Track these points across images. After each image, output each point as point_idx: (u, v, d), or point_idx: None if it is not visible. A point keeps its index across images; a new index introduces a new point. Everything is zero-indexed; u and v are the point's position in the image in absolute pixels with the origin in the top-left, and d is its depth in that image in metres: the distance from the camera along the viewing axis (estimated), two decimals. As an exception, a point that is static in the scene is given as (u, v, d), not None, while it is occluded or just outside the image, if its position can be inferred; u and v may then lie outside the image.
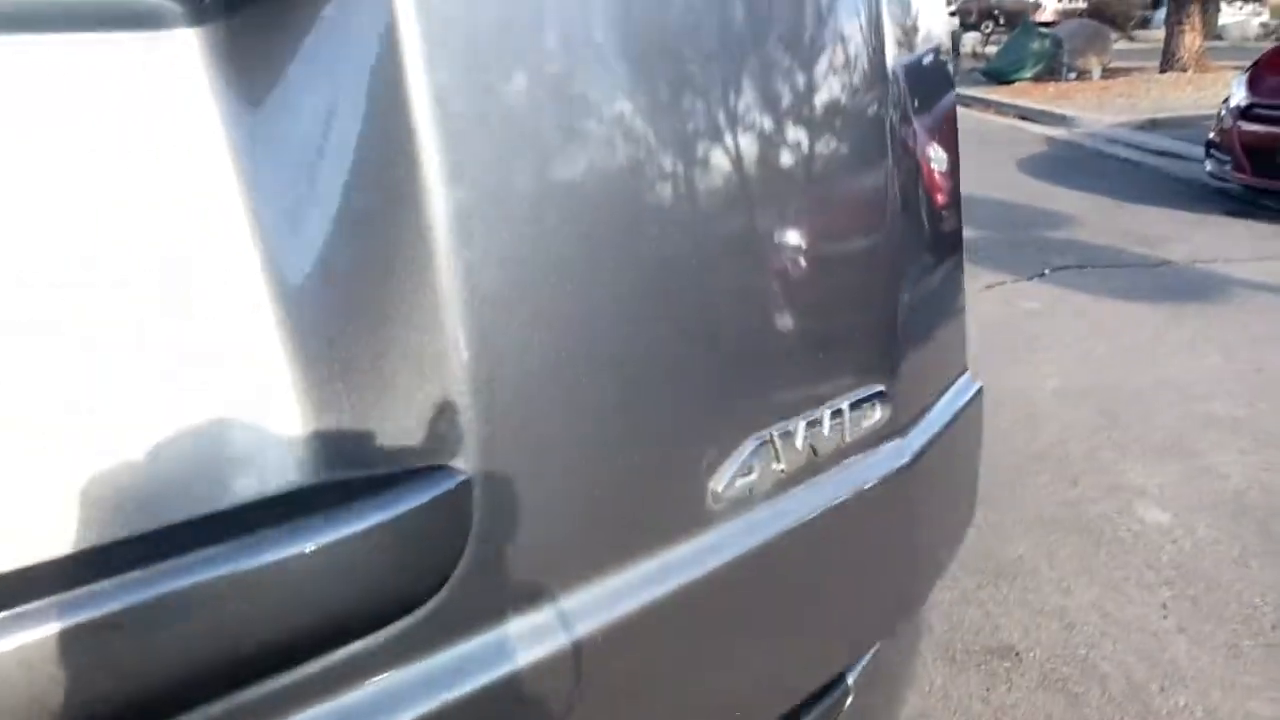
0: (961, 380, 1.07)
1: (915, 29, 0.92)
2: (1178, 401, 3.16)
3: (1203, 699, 1.85)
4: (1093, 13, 19.71)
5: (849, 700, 0.92)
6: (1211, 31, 16.86)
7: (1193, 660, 1.95)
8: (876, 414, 0.83)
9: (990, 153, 8.16)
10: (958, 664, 1.96)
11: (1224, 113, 6.11)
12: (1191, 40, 13.27)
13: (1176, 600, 2.15)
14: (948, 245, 1.02)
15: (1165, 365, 3.48)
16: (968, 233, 4.70)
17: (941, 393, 1.01)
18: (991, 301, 4.26)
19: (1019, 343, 3.73)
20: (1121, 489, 2.63)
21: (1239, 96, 6.00)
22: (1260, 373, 3.37)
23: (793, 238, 0.74)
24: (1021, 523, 2.47)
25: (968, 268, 4.26)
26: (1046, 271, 4.67)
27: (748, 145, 0.69)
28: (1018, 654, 1.99)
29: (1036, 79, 13.02)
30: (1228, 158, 5.92)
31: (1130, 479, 2.68)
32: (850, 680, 0.92)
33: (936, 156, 0.96)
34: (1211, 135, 6.22)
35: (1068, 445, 2.89)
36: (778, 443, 0.75)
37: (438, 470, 0.54)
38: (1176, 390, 3.25)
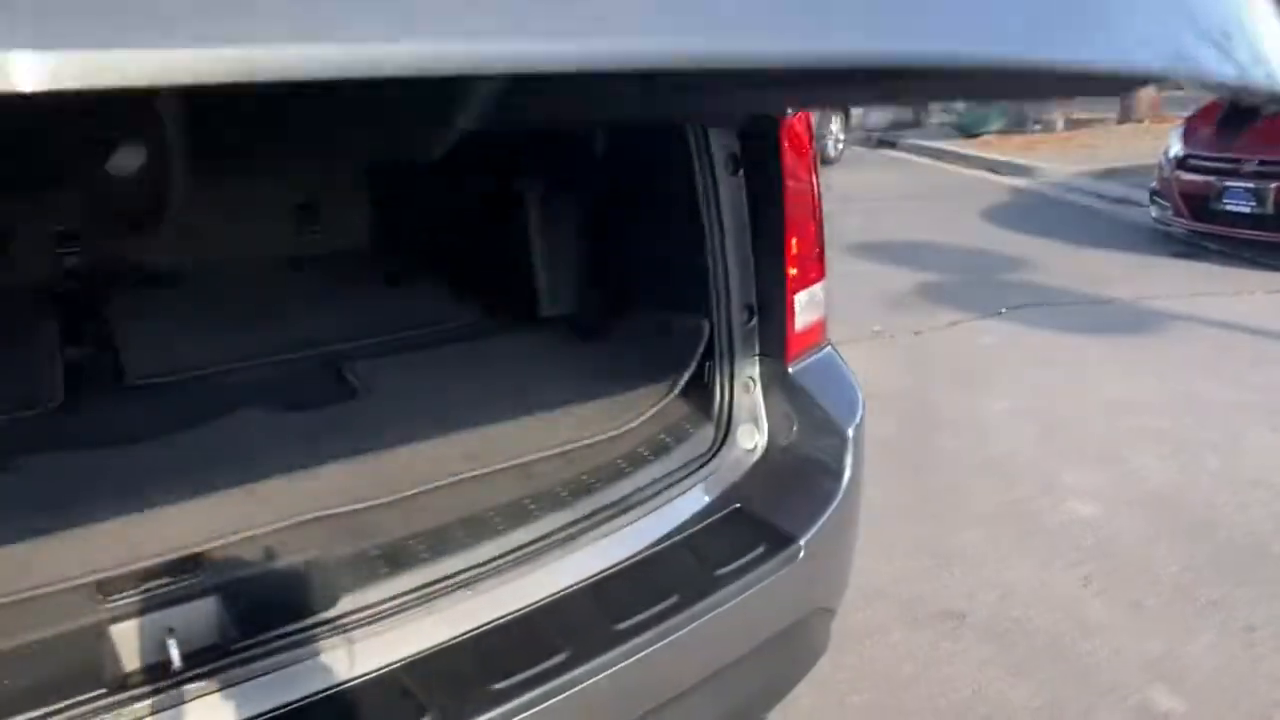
0: None
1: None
2: (1112, 418, 3.62)
3: (1109, 643, 2.28)
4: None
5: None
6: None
7: (1104, 616, 2.38)
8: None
9: (957, 203, 8.74)
10: (914, 624, 2.39)
11: (1164, 162, 6.70)
12: (1147, 92, 14.06)
13: (1095, 574, 2.59)
14: None
15: (1104, 389, 3.95)
16: (933, 276, 5.34)
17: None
18: (951, 338, 4.74)
19: (974, 372, 4.21)
20: (1056, 489, 3.08)
21: (1176, 148, 6.60)
22: (1188, 394, 3.84)
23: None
24: (969, 518, 2.92)
25: (931, 307, 4.89)
26: (1003, 310, 5.17)
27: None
28: (963, 615, 2.41)
29: (1003, 132, 13.75)
30: (1168, 204, 6.49)
31: (1065, 481, 3.13)
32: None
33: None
34: (1154, 184, 6.80)
35: (1012, 456, 3.34)
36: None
37: None
38: (1113, 409, 3.71)
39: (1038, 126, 13.87)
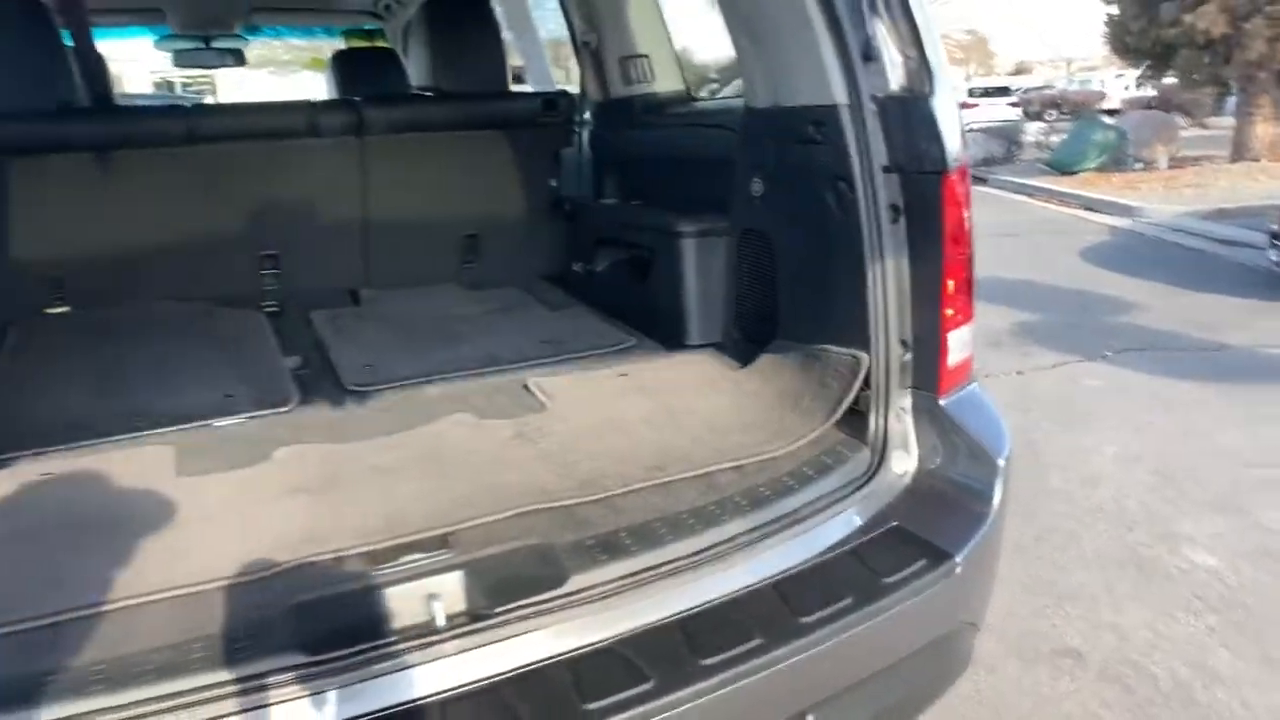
0: None
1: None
2: (1230, 468, 3.57)
3: (1238, 695, 2.28)
4: (1161, 101, 20.01)
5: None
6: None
7: (1232, 667, 2.38)
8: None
9: (1054, 242, 8.63)
10: (1028, 660, 2.43)
11: (1285, 203, 6.50)
12: (1264, 129, 13.51)
13: (1221, 624, 2.57)
14: None
15: (1220, 436, 3.89)
16: (1032, 315, 5.35)
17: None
18: (1054, 380, 4.72)
19: (1081, 416, 4.19)
20: (1173, 536, 3.06)
21: (1298, 189, 6.40)
22: (1313, 445, 3.75)
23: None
24: (1080, 559, 2.93)
25: (1031, 348, 4.89)
26: (1108, 353, 5.11)
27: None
28: (1080, 655, 2.44)
29: (1101, 169, 13.44)
30: (1290, 247, 6.30)
31: (1182, 528, 3.11)
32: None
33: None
34: (1274, 225, 6.60)
35: (1123, 501, 3.33)
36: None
37: None
38: (1230, 458, 3.66)
39: (1139, 164, 13.53)
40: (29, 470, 1.54)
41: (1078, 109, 22.37)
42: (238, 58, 4.51)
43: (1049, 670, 2.39)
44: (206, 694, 1.02)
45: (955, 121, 1.56)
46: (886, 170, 1.56)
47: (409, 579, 1.19)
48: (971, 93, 24.54)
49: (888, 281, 1.56)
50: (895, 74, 1.58)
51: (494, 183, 2.71)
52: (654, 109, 2.67)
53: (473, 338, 2.19)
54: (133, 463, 1.56)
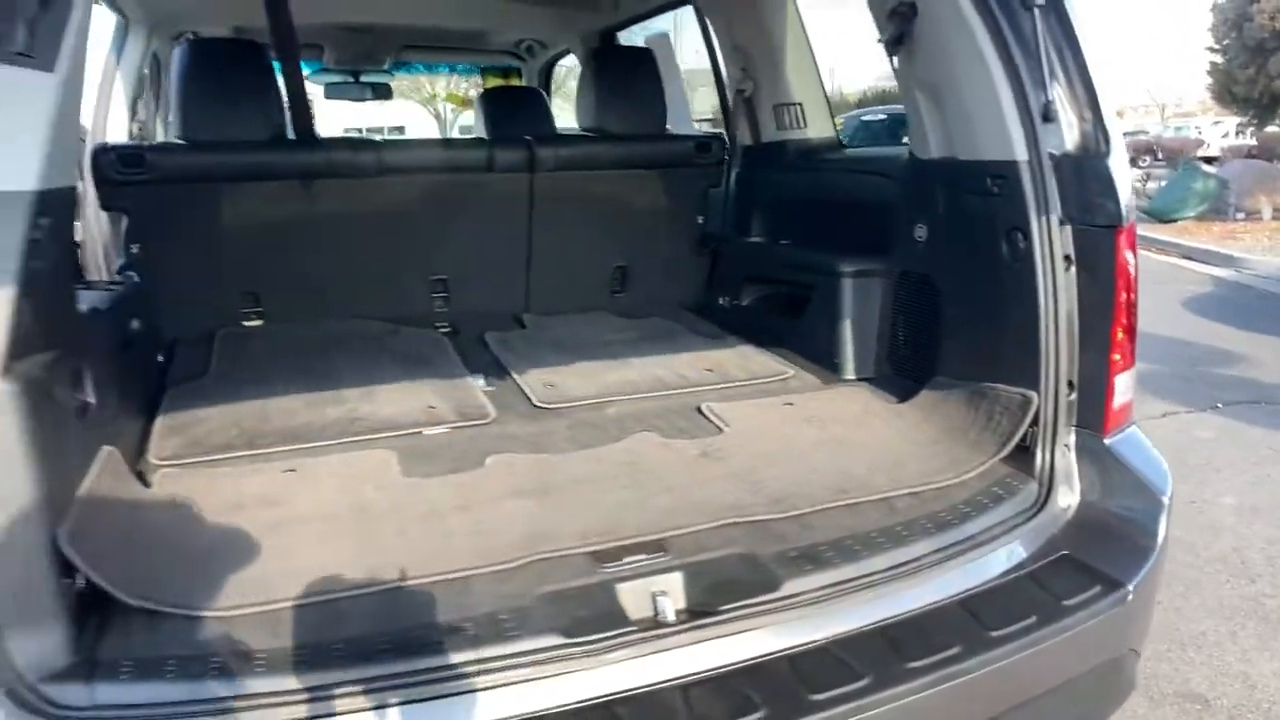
0: None
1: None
2: (1355, 525, 3.52)
3: (1372, 750, 2.29)
4: (1262, 150, 19.38)
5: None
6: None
7: (1364, 723, 2.38)
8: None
9: (1154, 291, 8.47)
10: (1155, 702, 2.47)
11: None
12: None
13: (1351, 679, 2.57)
14: None
15: (1342, 494, 3.83)
16: (1139, 365, 5.27)
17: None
18: (1165, 430, 4.69)
19: (1195, 466, 4.16)
20: (1298, 590, 3.05)
21: None
22: None
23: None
24: (1203, 608, 2.95)
25: (1139, 397, 4.86)
26: (1219, 405, 5.04)
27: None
28: (1207, 700, 2.47)
29: (1200, 218, 13.09)
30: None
31: (1307, 583, 3.10)
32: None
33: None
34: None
35: (1245, 552, 3.32)
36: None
37: None
38: (1353, 515, 3.60)
39: (1240, 214, 13.14)
40: (274, 468, 1.76)
41: (1175, 156, 21.79)
42: (385, 92, 4.85)
43: (1176, 712, 2.43)
44: (483, 666, 1.20)
45: (1127, 179, 1.69)
46: (1061, 222, 1.69)
47: (637, 577, 1.36)
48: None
49: (1059, 327, 1.68)
50: (1071, 134, 1.71)
51: (645, 218, 2.92)
52: (806, 154, 2.85)
53: (639, 364, 2.38)
54: (363, 464, 1.77)
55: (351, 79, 4.78)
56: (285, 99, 2.68)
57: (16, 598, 1.12)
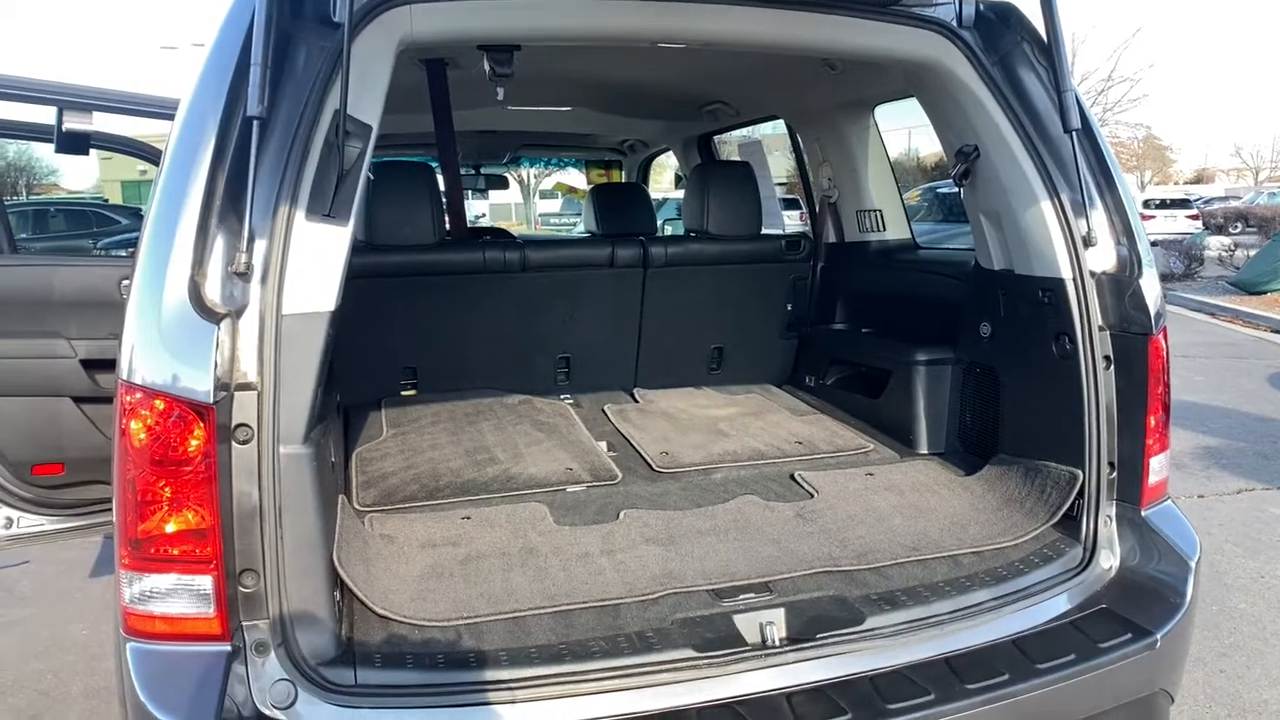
0: None
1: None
2: None
3: None
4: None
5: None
6: None
7: None
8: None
9: (1239, 365, 8.46)
10: (1213, 759, 2.67)
11: None
12: None
13: None
14: None
15: None
16: (1215, 440, 5.54)
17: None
18: (1238, 505, 4.81)
19: (1266, 543, 4.29)
20: (1363, 666, 3.19)
21: None
22: None
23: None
24: (1266, 677, 3.12)
25: (1215, 473, 5.13)
26: (1298, 483, 5.12)
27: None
28: (1263, 760, 2.67)
29: (1292, 290, 12.85)
30: None
31: (1372, 660, 3.23)
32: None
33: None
34: None
35: (1313, 627, 3.47)
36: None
37: None
38: None
39: (1336, 287, 12.82)
40: (453, 515, 2.22)
41: (1266, 224, 21.27)
42: (502, 183, 5.47)
43: (1233, 770, 2.63)
44: (637, 670, 1.59)
45: (1157, 295, 2.03)
46: (1101, 329, 2.03)
47: (749, 610, 1.74)
48: (1148, 204, 23.54)
49: (1100, 415, 2.02)
50: (1109, 256, 2.06)
51: (740, 306, 3.36)
52: (884, 253, 3.26)
53: (737, 436, 2.79)
54: (523, 514, 2.21)
55: (474, 172, 5.41)
56: (445, 206, 3.21)
57: (307, 604, 1.57)
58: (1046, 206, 2.07)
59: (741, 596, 1.80)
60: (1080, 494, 2.04)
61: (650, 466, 2.58)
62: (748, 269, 3.31)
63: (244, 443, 1.48)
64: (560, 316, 3.23)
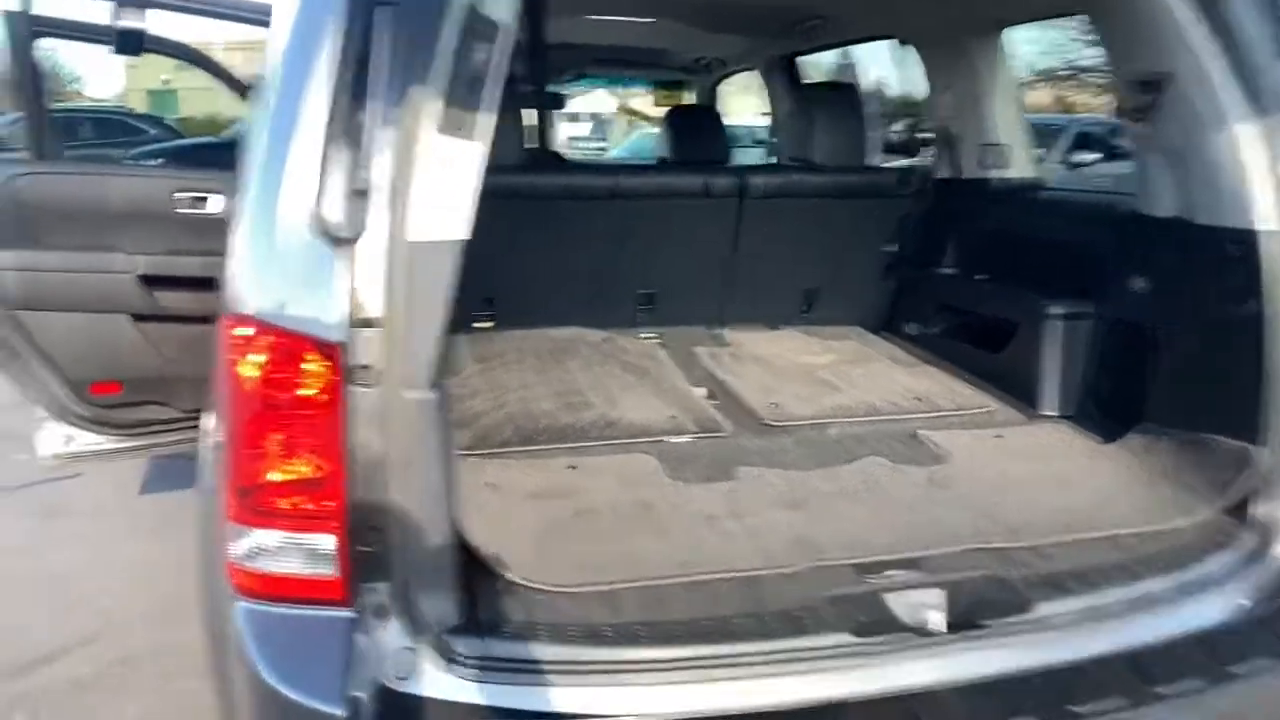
0: None
1: None
2: None
3: None
4: None
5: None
6: None
7: None
8: None
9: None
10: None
11: None
12: None
13: None
14: None
15: None
16: None
17: None
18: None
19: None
20: None
21: None
22: None
23: None
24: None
25: None
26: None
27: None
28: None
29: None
30: None
31: None
32: None
33: None
34: None
35: None
36: None
37: None
38: None
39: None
40: (555, 463, 2.05)
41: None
42: (560, 102, 5.16)
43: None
44: (792, 655, 1.43)
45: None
46: None
47: (902, 589, 1.55)
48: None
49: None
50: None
51: (839, 243, 3.11)
52: (1007, 193, 2.98)
53: (844, 388, 2.59)
54: (632, 466, 2.03)
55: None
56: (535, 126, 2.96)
57: (430, 565, 1.40)
58: (1251, 148, 1.81)
59: (887, 574, 1.62)
60: (1254, 473, 1.84)
61: (757, 419, 2.39)
62: (853, 204, 3.04)
63: (367, 385, 1.30)
64: (646, 249, 3.00)
